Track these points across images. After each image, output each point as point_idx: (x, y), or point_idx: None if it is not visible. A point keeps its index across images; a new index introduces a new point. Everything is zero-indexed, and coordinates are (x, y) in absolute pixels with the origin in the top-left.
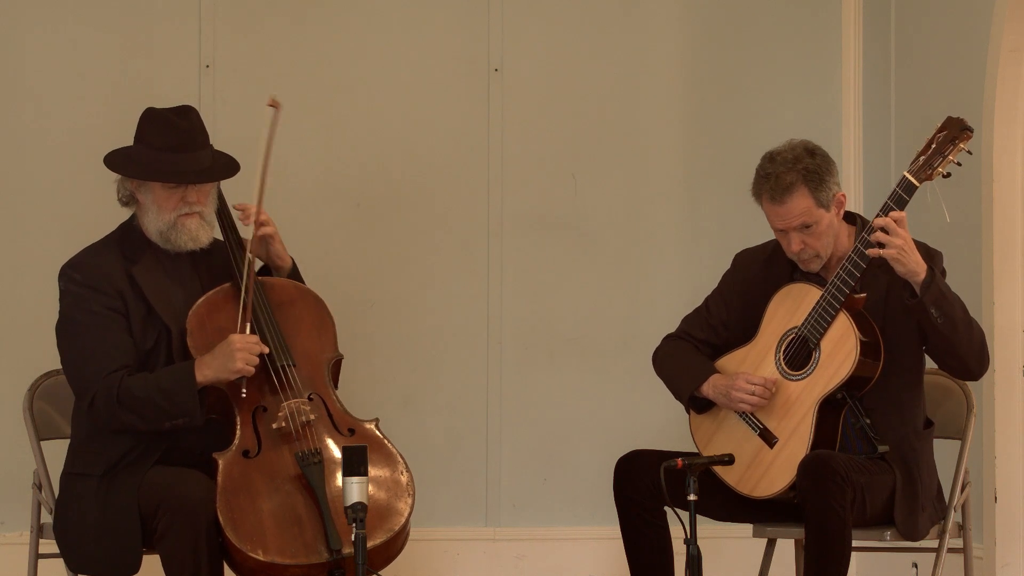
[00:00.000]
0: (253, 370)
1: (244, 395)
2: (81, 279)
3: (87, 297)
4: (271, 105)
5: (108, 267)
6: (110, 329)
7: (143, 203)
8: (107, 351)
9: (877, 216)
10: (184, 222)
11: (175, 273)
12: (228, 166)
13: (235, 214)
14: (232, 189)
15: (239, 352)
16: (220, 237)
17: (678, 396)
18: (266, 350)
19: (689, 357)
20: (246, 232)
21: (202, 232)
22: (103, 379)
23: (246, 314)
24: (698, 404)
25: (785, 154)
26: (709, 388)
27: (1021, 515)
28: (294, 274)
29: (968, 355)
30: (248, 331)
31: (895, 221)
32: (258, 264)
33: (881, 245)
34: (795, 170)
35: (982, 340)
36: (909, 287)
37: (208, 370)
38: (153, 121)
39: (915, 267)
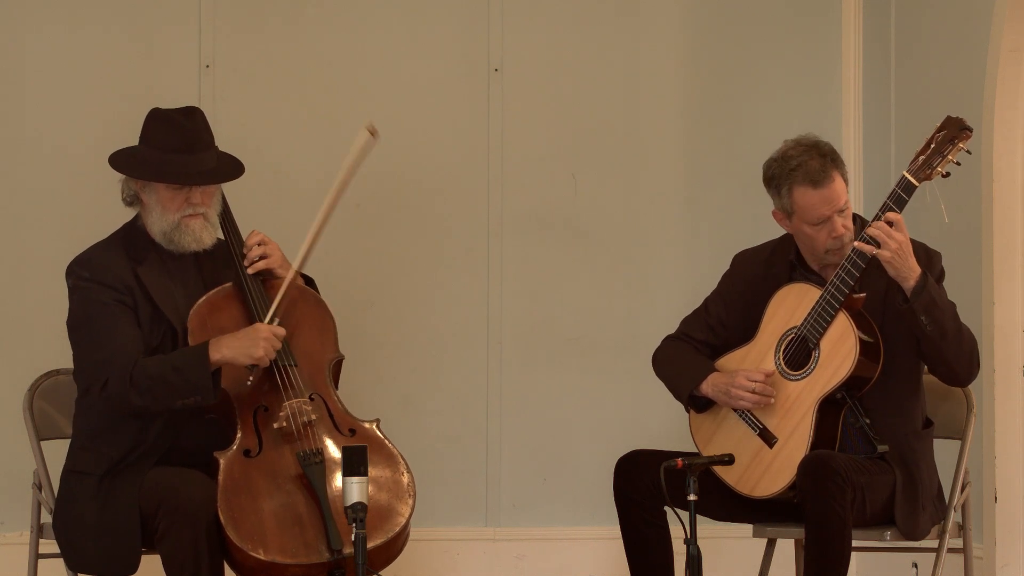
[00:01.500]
0: (268, 362)
1: (250, 382)
2: (90, 276)
3: (97, 291)
4: (370, 132)
5: (115, 265)
6: (121, 320)
7: (147, 203)
8: (120, 339)
9: (875, 217)
10: (188, 223)
11: (178, 273)
12: (233, 167)
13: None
14: (234, 190)
15: (264, 340)
16: (223, 237)
17: (677, 395)
18: (282, 332)
19: (688, 357)
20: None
21: (205, 233)
22: (117, 361)
23: (280, 306)
24: (697, 403)
25: (799, 146)
26: (708, 386)
27: (1021, 515)
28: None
29: (956, 364)
30: (276, 323)
31: (893, 224)
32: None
33: (876, 244)
34: (822, 154)
35: (972, 350)
36: (902, 291)
37: (227, 350)
38: (159, 122)
39: (907, 272)
